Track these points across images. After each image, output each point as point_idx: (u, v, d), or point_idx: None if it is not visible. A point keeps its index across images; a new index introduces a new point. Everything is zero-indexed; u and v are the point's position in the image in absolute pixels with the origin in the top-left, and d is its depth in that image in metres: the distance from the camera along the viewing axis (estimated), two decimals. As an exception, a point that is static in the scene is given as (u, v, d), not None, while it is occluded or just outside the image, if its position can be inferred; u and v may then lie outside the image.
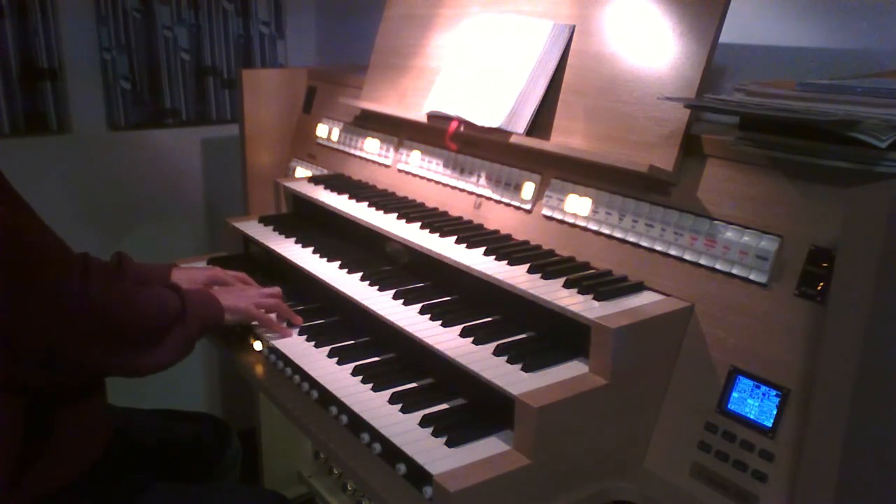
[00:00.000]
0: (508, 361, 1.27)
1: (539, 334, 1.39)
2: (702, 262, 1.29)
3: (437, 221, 1.69)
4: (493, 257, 1.49)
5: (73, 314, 1.20)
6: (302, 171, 2.37)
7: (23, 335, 1.18)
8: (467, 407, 1.33)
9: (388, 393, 1.35)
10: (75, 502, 1.32)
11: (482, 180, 1.73)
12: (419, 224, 1.68)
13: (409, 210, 1.77)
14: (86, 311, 1.21)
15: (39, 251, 1.18)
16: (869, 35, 1.42)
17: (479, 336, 1.34)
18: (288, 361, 1.50)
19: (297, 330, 1.60)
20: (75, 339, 1.22)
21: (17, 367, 1.20)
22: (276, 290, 1.64)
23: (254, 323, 1.59)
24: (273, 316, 1.60)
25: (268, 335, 1.58)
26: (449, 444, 1.20)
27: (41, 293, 1.16)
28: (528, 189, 1.61)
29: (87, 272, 1.22)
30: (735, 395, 1.21)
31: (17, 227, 1.15)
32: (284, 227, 1.97)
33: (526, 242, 1.58)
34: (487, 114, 1.62)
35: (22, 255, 1.15)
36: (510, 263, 1.45)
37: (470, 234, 1.61)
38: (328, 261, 1.73)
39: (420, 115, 1.81)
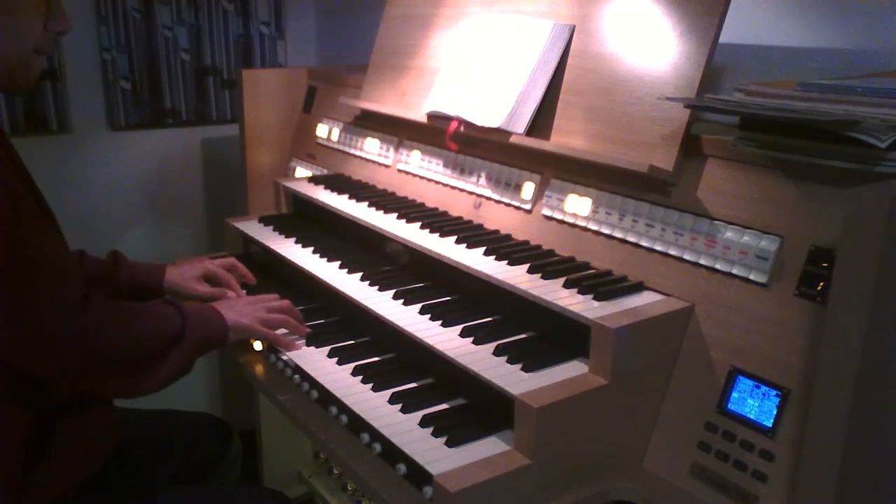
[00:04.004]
0: (508, 361, 1.27)
1: (539, 334, 1.39)
2: (702, 262, 1.29)
3: (437, 221, 1.69)
4: (493, 257, 1.49)
5: (63, 350, 1.19)
6: (302, 171, 2.37)
7: (14, 360, 1.19)
8: (467, 407, 1.33)
9: (388, 393, 1.36)
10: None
11: (482, 180, 1.73)
12: (419, 224, 1.68)
13: (409, 210, 1.77)
14: (77, 347, 1.20)
15: (41, 287, 1.17)
16: (869, 35, 1.42)
17: (479, 336, 1.34)
18: (288, 361, 1.50)
19: (303, 341, 1.56)
20: (66, 369, 1.22)
21: (14, 382, 1.21)
22: (286, 303, 1.59)
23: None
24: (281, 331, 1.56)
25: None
26: (449, 444, 1.20)
27: (34, 326, 1.16)
28: (528, 189, 1.61)
29: (85, 306, 1.21)
30: (735, 395, 1.21)
31: (31, 259, 1.15)
32: (284, 227, 1.97)
33: (526, 242, 1.58)
34: (487, 114, 1.62)
35: (23, 290, 1.15)
36: (510, 263, 1.45)
37: (470, 234, 1.61)
38: (328, 261, 1.73)
39: (420, 115, 1.81)
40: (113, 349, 1.25)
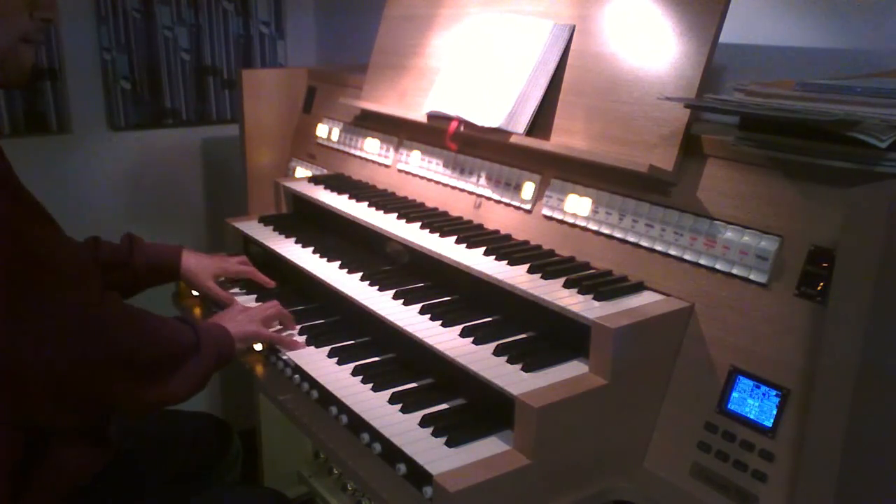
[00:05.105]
0: (508, 361, 1.27)
1: (539, 334, 1.39)
2: (702, 262, 1.29)
3: (437, 221, 1.69)
4: (493, 257, 1.49)
5: (84, 344, 1.18)
6: (302, 171, 2.37)
7: (32, 362, 1.15)
8: (467, 407, 1.33)
9: (388, 393, 1.36)
10: None
11: (482, 180, 1.73)
12: (419, 224, 1.68)
13: (409, 210, 1.77)
14: (97, 340, 1.19)
15: (59, 279, 1.16)
16: (869, 35, 1.42)
17: (479, 336, 1.34)
18: (288, 361, 1.50)
19: (306, 340, 1.57)
20: (84, 366, 1.19)
21: (24, 401, 1.18)
22: (273, 302, 1.62)
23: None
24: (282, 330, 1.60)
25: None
26: (449, 444, 1.20)
27: (53, 318, 1.15)
28: (528, 189, 1.61)
29: (101, 302, 1.21)
30: (735, 395, 1.21)
31: (46, 251, 1.15)
32: (284, 227, 1.97)
33: (526, 242, 1.58)
34: (487, 114, 1.62)
35: (40, 284, 1.14)
36: (510, 263, 1.45)
37: (470, 234, 1.61)
38: (328, 261, 1.73)
39: (420, 115, 1.81)
40: (132, 345, 1.24)
